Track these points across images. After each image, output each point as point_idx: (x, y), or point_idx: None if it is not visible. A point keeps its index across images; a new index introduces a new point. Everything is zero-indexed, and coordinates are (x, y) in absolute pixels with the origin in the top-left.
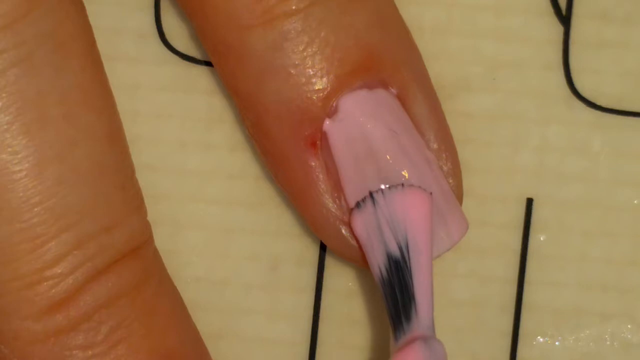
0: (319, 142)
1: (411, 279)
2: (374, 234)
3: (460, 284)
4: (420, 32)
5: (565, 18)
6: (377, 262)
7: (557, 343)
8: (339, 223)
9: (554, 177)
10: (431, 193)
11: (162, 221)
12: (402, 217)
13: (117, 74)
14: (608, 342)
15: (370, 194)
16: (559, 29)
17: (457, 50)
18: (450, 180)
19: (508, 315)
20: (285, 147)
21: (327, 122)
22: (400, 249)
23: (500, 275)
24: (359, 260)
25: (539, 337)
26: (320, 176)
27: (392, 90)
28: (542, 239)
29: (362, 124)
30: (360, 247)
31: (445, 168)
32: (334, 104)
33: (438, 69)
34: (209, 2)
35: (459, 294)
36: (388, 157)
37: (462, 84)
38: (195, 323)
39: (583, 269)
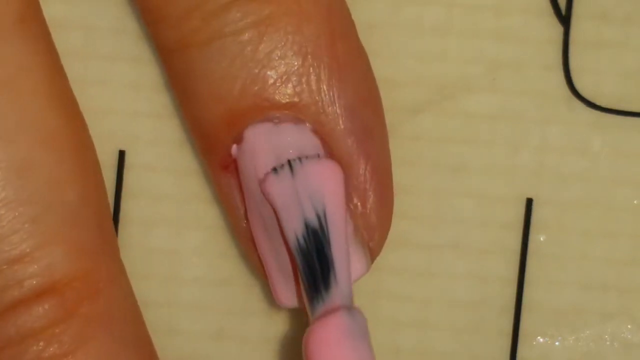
0: (230, 167)
1: (330, 248)
2: (291, 201)
3: (460, 284)
4: (420, 32)
5: (565, 18)
6: (294, 230)
7: (557, 343)
8: (251, 245)
9: (554, 177)
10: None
11: (162, 221)
12: (320, 188)
13: (117, 74)
14: (608, 342)
15: (289, 162)
16: (558, 29)
17: (457, 50)
18: (370, 233)
19: (508, 315)
20: (207, 165)
21: (234, 148)
22: (318, 218)
23: (500, 275)
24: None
25: (539, 337)
26: (235, 196)
27: (307, 124)
28: (542, 239)
29: (257, 158)
30: (266, 268)
31: (369, 217)
32: (242, 132)
33: (438, 69)
34: (146, 19)
35: (459, 294)
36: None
37: (462, 84)
38: (194, 323)
39: (583, 269)
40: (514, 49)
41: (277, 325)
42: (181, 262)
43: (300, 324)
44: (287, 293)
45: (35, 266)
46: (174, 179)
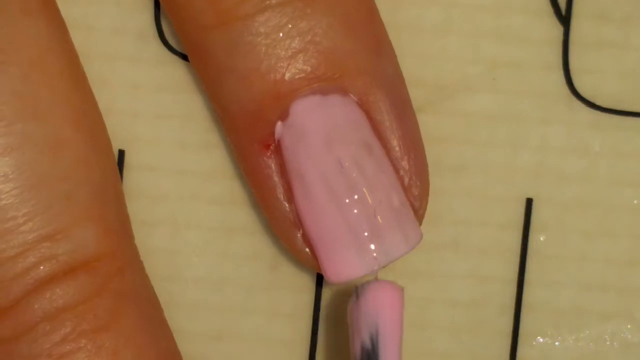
0: (272, 146)
1: None
2: (355, 322)
3: (460, 284)
4: (420, 32)
5: (564, 18)
6: (355, 350)
7: (557, 343)
8: (292, 227)
9: (554, 177)
10: (403, 289)
11: (162, 221)
12: (375, 311)
13: (117, 74)
14: (608, 342)
15: (355, 288)
16: (558, 29)
17: (457, 50)
18: (417, 203)
19: (508, 315)
20: (241, 147)
21: (278, 125)
22: (371, 339)
23: (500, 275)
24: (314, 267)
25: (539, 337)
26: (275, 179)
27: (352, 97)
28: (542, 239)
29: (308, 131)
30: (313, 254)
31: (415, 187)
32: (287, 108)
33: (438, 69)
34: (173, 4)
35: (459, 294)
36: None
37: (462, 84)
38: (195, 324)
39: (583, 269)
40: (514, 49)
41: (277, 325)
42: (181, 262)
43: (300, 324)
44: (347, 263)
45: (70, 242)
46: (174, 179)
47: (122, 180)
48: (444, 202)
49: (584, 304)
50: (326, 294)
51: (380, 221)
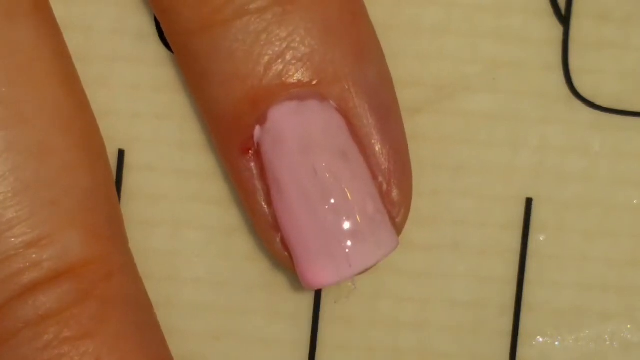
0: (252, 150)
1: None
2: None
3: (460, 284)
4: (419, 32)
5: (564, 18)
6: None
7: (556, 343)
8: (272, 230)
9: (554, 177)
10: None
11: (162, 221)
12: None
13: (117, 74)
14: (608, 342)
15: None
16: (558, 28)
17: (457, 50)
18: (395, 209)
19: (508, 315)
20: (224, 151)
21: (257, 130)
22: None
23: (500, 275)
24: (291, 269)
25: (538, 337)
26: (255, 182)
27: (332, 102)
28: (541, 239)
29: (284, 137)
30: (291, 258)
31: (393, 194)
32: (265, 113)
33: (437, 69)
34: (159, 4)
35: (458, 294)
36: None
37: (462, 84)
38: (194, 324)
39: (583, 269)
40: (513, 49)
41: (277, 326)
42: (181, 263)
43: (300, 324)
44: (320, 270)
45: (54, 248)
46: (174, 179)
47: (121, 180)
48: (443, 202)
49: (584, 304)
50: (326, 294)
51: (353, 229)
